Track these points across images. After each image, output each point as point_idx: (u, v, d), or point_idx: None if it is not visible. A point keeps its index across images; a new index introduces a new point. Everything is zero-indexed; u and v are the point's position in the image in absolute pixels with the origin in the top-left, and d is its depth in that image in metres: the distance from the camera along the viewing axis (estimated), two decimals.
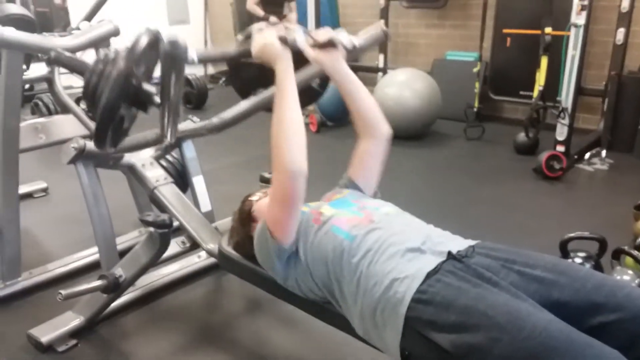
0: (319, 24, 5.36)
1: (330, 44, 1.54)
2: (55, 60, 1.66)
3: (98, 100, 1.49)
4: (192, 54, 1.43)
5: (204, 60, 1.50)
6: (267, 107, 1.82)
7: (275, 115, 1.38)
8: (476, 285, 1.14)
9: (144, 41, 1.44)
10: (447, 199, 3.45)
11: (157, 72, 1.51)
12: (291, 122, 1.37)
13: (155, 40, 1.47)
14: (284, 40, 1.40)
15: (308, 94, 1.88)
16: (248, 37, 1.56)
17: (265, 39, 1.44)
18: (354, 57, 1.69)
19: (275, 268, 1.45)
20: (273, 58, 1.43)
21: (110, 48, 1.63)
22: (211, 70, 8.35)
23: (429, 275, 1.20)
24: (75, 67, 1.67)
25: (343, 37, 1.54)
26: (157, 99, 1.49)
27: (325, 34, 1.56)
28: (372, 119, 1.64)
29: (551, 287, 1.17)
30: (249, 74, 1.93)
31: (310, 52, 1.56)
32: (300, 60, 1.54)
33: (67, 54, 1.66)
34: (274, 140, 1.36)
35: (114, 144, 1.58)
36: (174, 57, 1.37)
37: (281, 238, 1.40)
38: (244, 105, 1.96)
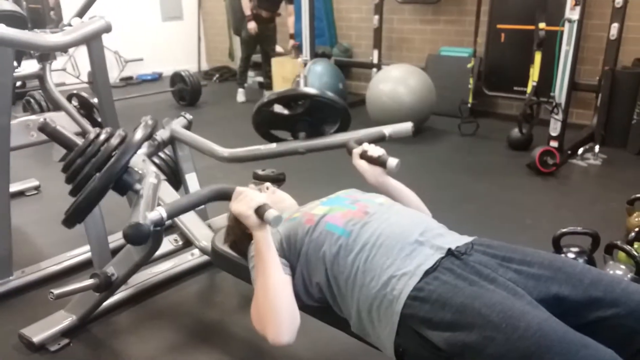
0: (312, 18, 5.35)
1: (380, 164, 1.59)
2: (42, 130, 1.68)
3: (80, 182, 1.52)
4: (161, 215, 1.33)
5: (174, 216, 1.46)
6: (290, 153, 2.09)
7: (258, 280, 1.33)
8: (473, 283, 1.15)
9: (139, 137, 1.48)
10: (441, 195, 3.44)
11: None
12: (275, 289, 1.31)
13: (151, 134, 1.50)
14: (260, 214, 1.29)
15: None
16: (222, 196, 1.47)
17: (243, 209, 1.32)
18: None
19: None
20: (250, 227, 1.35)
21: (104, 129, 1.64)
22: (205, 66, 8.32)
23: (427, 272, 1.20)
24: (63, 142, 1.69)
25: (395, 163, 1.56)
26: (138, 186, 1.52)
27: (377, 152, 1.60)
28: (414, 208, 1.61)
29: (549, 284, 1.18)
30: (275, 121, 2.09)
31: (358, 161, 1.63)
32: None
33: (59, 127, 1.69)
34: (259, 304, 1.32)
35: (81, 221, 1.61)
36: (138, 244, 1.34)
37: None
38: (262, 148, 2.14)
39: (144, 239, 1.30)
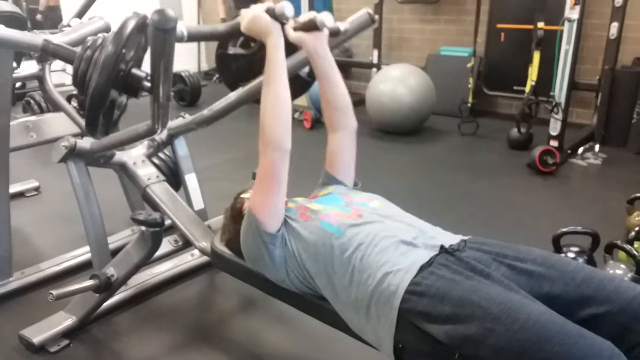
0: None
1: (313, 26, 1.51)
2: (43, 49, 1.64)
3: (88, 86, 1.48)
4: (182, 28, 1.40)
5: (194, 37, 1.47)
6: (256, 97, 1.82)
7: (263, 90, 1.39)
8: (469, 278, 1.16)
9: (131, 23, 1.42)
10: (441, 194, 3.45)
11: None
12: (277, 98, 1.37)
13: (143, 23, 1.44)
14: (272, 14, 1.37)
15: (298, 84, 1.88)
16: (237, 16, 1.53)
17: (254, 12, 1.43)
18: (339, 42, 1.70)
19: (264, 260, 1.44)
20: (262, 31, 1.42)
21: (99, 35, 1.60)
22: (205, 66, 8.32)
23: (422, 268, 1.21)
24: (64, 56, 1.65)
25: (327, 19, 1.50)
26: (147, 83, 1.47)
27: (308, 15, 1.54)
28: (346, 108, 1.65)
29: (542, 281, 1.19)
30: (237, 65, 1.89)
31: (292, 33, 1.52)
32: (288, 48, 1.53)
33: (57, 43, 1.65)
34: (261, 115, 1.37)
35: (105, 132, 1.56)
36: (163, 30, 1.34)
37: (266, 221, 1.39)
38: (232, 96, 1.95)
39: (171, 24, 1.33)
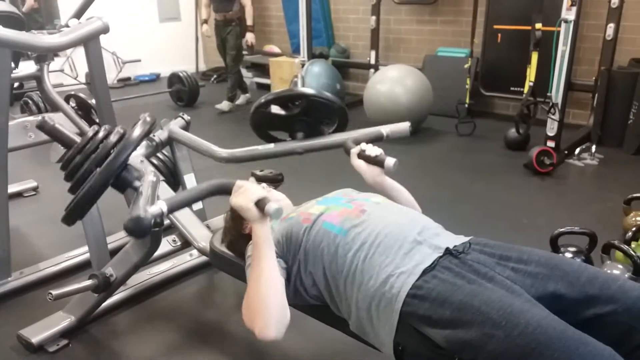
0: (310, 19, 5.36)
1: (377, 164, 1.59)
2: (40, 128, 1.67)
3: (79, 179, 1.52)
4: (161, 209, 1.33)
5: (175, 210, 1.43)
6: (289, 153, 2.10)
7: (252, 275, 1.34)
8: (471, 282, 1.16)
9: (138, 134, 1.48)
10: (439, 195, 3.45)
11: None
12: (268, 284, 1.31)
13: (150, 129, 1.55)
14: (261, 207, 1.30)
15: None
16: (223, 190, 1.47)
17: (243, 203, 1.33)
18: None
19: None
20: (250, 220, 1.35)
21: (102, 127, 1.65)
22: (202, 67, 8.32)
23: (426, 271, 1.21)
24: (62, 140, 1.69)
25: (392, 162, 1.57)
26: (137, 183, 1.52)
27: (375, 151, 1.60)
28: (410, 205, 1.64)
29: (546, 281, 1.19)
30: (271, 121, 2.09)
31: (355, 161, 1.62)
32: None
33: (57, 125, 1.69)
34: (250, 297, 1.32)
35: (81, 218, 1.61)
36: (139, 236, 1.38)
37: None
38: (260, 148, 2.15)
39: (145, 232, 1.30)
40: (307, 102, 1.99)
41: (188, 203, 1.47)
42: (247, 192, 1.33)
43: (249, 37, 5.78)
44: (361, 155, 1.62)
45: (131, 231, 1.29)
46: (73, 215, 1.54)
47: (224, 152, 2.22)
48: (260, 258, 1.33)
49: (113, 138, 1.57)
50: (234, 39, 5.62)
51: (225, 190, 1.41)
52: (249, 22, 5.68)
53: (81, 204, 1.50)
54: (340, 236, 1.35)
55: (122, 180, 1.55)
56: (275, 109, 2.06)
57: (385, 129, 1.91)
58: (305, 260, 1.39)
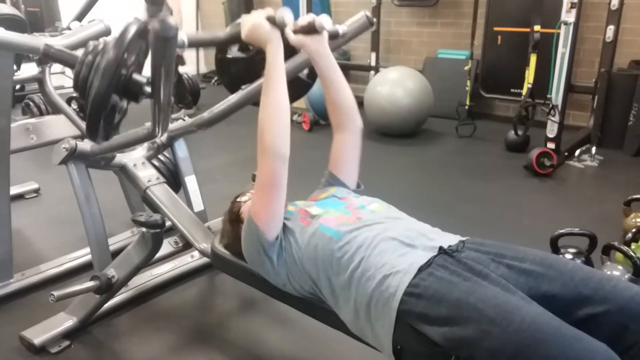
0: None
1: (313, 29, 1.52)
2: (45, 54, 1.65)
3: (89, 91, 1.49)
4: (182, 36, 1.41)
5: (194, 44, 1.48)
6: (255, 100, 1.83)
7: (262, 96, 1.40)
8: (467, 279, 1.16)
9: (132, 29, 1.44)
10: (439, 196, 3.46)
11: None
12: (276, 104, 1.38)
13: (144, 28, 1.45)
14: (272, 21, 1.38)
15: (298, 86, 1.89)
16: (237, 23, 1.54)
17: (254, 19, 1.44)
18: (338, 45, 1.70)
19: (265, 266, 1.46)
20: (262, 38, 1.43)
21: (100, 39, 1.62)
22: (204, 69, 8.33)
23: (421, 269, 1.22)
24: (65, 60, 1.66)
25: (326, 21, 1.52)
26: (148, 89, 1.49)
27: (306, 18, 1.55)
28: (349, 108, 1.66)
29: (540, 280, 1.19)
30: (237, 68, 1.92)
31: (293, 37, 1.53)
32: (288, 51, 1.54)
33: (58, 47, 1.66)
34: (259, 122, 1.38)
35: (106, 136, 1.57)
36: (164, 38, 1.36)
37: (266, 229, 1.41)
38: (232, 99, 1.97)
39: (170, 36, 1.33)
40: None
41: (204, 43, 1.60)
42: (254, 15, 1.43)
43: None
44: (296, 31, 1.53)
45: (158, 30, 1.31)
46: (91, 126, 1.52)
47: (197, 118, 2.19)
48: (272, 74, 1.41)
49: (110, 42, 1.55)
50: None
51: (237, 35, 1.49)
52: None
53: (93, 109, 1.48)
54: (335, 239, 1.36)
55: (133, 86, 1.52)
56: (234, 54, 1.91)
57: (341, 27, 1.68)
58: (301, 262, 1.41)
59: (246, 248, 1.50)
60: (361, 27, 1.75)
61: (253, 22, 1.43)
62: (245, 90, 1.94)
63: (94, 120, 1.49)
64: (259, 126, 1.38)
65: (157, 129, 1.56)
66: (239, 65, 1.93)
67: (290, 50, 1.57)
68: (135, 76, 1.49)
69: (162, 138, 2.43)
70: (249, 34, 1.46)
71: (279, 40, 1.43)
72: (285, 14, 1.40)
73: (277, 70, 1.41)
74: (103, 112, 1.48)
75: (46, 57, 1.66)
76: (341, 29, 1.63)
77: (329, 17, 1.54)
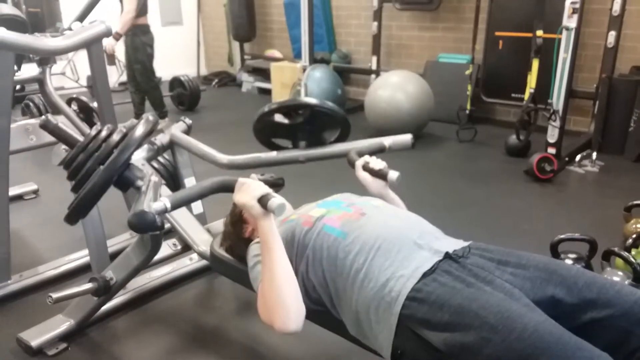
0: (311, 25, 5.37)
1: (381, 177, 1.61)
2: (43, 127, 1.68)
3: (81, 178, 1.52)
4: (165, 204, 1.34)
5: (178, 207, 1.43)
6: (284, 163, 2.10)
7: (264, 268, 1.35)
8: (470, 285, 1.16)
9: (140, 132, 1.48)
10: (439, 201, 3.46)
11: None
12: (283, 277, 1.33)
13: (152, 129, 1.54)
14: (263, 203, 1.32)
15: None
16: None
17: (246, 199, 1.34)
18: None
19: None
20: (254, 216, 1.36)
21: (105, 126, 1.65)
22: (204, 71, 8.34)
23: (425, 275, 1.21)
24: (65, 139, 1.69)
25: (396, 176, 1.59)
26: (139, 182, 1.52)
27: (379, 164, 1.63)
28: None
29: (545, 286, 1.19)
30: (276, 130, 2.11)
31: (360, 173, 1.64)
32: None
33: (58, 125, 1.69)
34: (266, 293, 1.33)
35: (84, 216, 1.61)
36: (144, 232, 1.39)
37: None
38: (262, 156, 2.14)
39: (149, 227, 1.30)
40: (311, 112, 2.01)
41: (190, 200, 1.48)
42: (249, 189, 1.35)
43: (107, 43, 4.81)
44: (365, 168, 1.65)
45: (135, 225, 1.30)
46: (76, 213, 1.54)
47: (224, 158, 2.22)
48: (270, 251, 1.34)
49: (116, 136, 1.57)
50: (133, 51, 4.99)
51: (228, 188, 1.42)
52: (118, 28, 4.76)
53: (84, 202, 1.50)
54: (340, 239, 1.35)
55: (125, 179, 1.55)
56: (278, 118, 2.08)
57: (387, 141, 1.94)
58: (305, 263, 1.40)
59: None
60: (403, 146, 1.99)
61: (244, 202, 1.35)
62: (280, 153, 2.14)
63: (84, 209, 1.54)
64: (264, 303, 1.34)
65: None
66: (278, 128, 2.12)
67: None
68: (128, 173, 1.54)
69: (162, 140, 2.43)
70: (240, 204, 1.38)
71: (270, 221, 1.35)
72: (277, 208, 1.30)
73: (275, 246, 1.35)
74: (97, 202, 1.53)
75: (45, 130, 1.69)
76: (387, 142, 1.91)
77: (398, 173, 1.60)
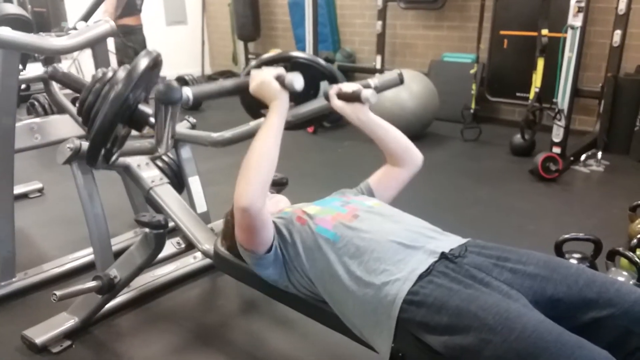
0: (316, 24, 5.37)
1: (356, 98, 1.55)
2: (51, 77, 1.66)
3: (93, 119, 1.50)
4: (187, 93, 1.39)
5: (200, 98, 1.47)
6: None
7: (253, 144, 1.37)
8: (468, 287, 1.15)
9: (144, 63, 1.45)
10: (444, 200, 3.45)
11: None
12: (265, 155, 1.35)
13: (155, 62, 1.47)
14: (281, 81, 1.37)
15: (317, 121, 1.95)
16: (248, 74, 1.54)
17: (264, 77, 1.43)
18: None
19: (265, 273, 1.46)
20: (269, 96, 1.42)
21: (109, 67, 1.62)
22: (208, 70, 8.35)
23: (421, 277, 1.20)
24: (72, 85, 1.67)
25: (372, 96, 1.54)
26: (152, 120, 1.50)
27: (352, 87, 1.57)
28: (406, 150, 1.64)
29: (545, 284, 1.18)
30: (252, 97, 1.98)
31: (336, 102, 1.58)
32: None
33: (64, 71, 1.67)
34: (244, 163, 1.35)
35: (106, 160, 1.58)
36: (170, 102, 1.37)
37: (256, 249, 1.41)
38: (252, 124, 2.03)
39: (172, 99, 1.33)
40: (293, 66, 1.75)
41: (210, 95, 1.53)
42: (263, 73, 1.44)
43: None
44: (340, 96, 1.58)
45: (161, 92, 1.31)
46: (92, 153, 1.52)
47: (215, 135, 2.20)
48: (270, 126, 1.39)
49: (120, 73, 1.55)
50: (117, 52, 4.94)
51: (245, 86, 1.48)
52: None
53: (97, 140, 1.48)
54: (332, 241, 1.35)
55: (138, 117, 1.52)
56: None
57: (373, 80, 1.76)
58: (301, 258, 1.40)
59: (245, 259, 1.50)
60: (392, 84, 1.82)
61: (263, 79, 1.44)
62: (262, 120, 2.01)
63: (96, 147, 1.51)
64: (240, 172, 1.35)
65: (159, 148, 1.55)
66: None
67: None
68: (142, 107, 1.51)
69: None
70: (257, 89, 1.46)
71: (286, 102, 1.43)
72: (295, 81, 1.39)
73: (275, 128, 1.39)
74: (106, 142, 1.50)
75: (53, 80, 1.67)
76: (372, 83, 1.69)
77: (372, 84, 1.56)
